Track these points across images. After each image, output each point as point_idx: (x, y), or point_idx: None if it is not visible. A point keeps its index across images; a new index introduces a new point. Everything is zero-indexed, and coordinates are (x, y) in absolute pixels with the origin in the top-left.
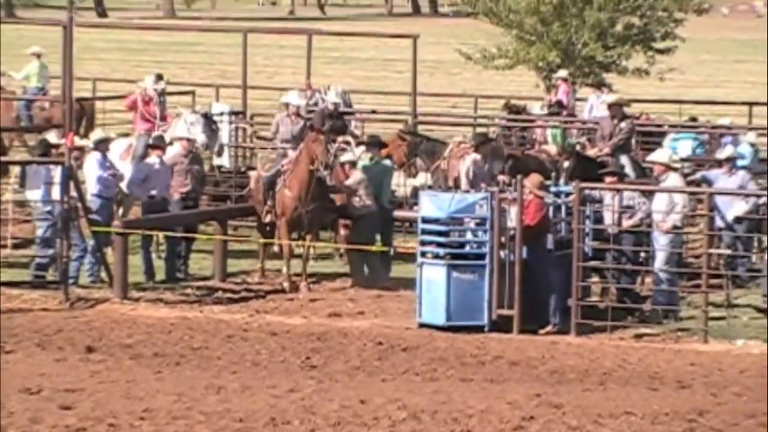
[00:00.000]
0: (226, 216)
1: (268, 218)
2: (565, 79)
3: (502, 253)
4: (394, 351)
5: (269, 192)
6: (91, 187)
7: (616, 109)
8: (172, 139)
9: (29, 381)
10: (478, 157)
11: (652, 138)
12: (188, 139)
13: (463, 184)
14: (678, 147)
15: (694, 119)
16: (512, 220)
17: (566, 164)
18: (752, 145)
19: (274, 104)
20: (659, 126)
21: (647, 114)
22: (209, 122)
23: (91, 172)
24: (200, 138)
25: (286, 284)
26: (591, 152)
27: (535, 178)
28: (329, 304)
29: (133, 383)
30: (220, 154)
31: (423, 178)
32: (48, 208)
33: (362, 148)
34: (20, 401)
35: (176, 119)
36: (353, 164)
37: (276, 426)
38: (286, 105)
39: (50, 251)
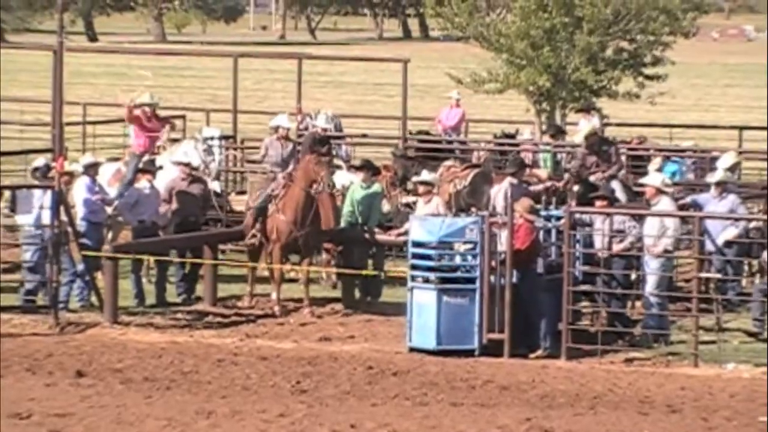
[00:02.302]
0: (216, 240)
1: (252, 240)
2: (457, 100)
3: (492, 277)
4: (385, 375)
5: (258, 218)
6: (80, 212)
7: (593, 139)
8: (173, 163)
9: (19, 406)
10: (514, 181)
11: (642, 162)
12: (186, 163)
13: (500, 207)
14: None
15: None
16: (502, 244)
17: (576, 188)
18: (731, 168)
19: (264, 128)
20: (648, 150)
21: (640, 137)
22: (206, 147)
23: (79, 196)
24: (195, 161)
25: (277, 309)
26: (593, 177)
27: (525, 202)
28: (319, 329)
29: (123, 408)
30: (218, 177)
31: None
32: (39, 232)
33: (350, 173)
34: (10, 426)
35: (176, 145)
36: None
37: None
38: (276, 128)
39: (38, 276)
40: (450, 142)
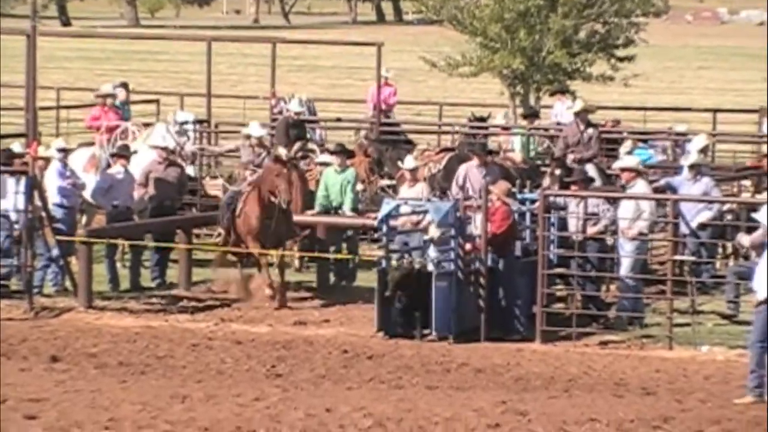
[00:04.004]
0: (190, 224)
1: (222, 233)
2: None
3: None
4: (360, 359)
5: (227, 210)
6: (53, 197)
7: (584, 116)
8: (150, 146)
9: None
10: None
11: (616, 145)
12: (164, 147)
13: (454, 189)
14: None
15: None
16: (477, 228)
17: (557, 171)
18: (702, 150)
19: (238, 113)
20: (621, 133)
21: (613, 121)
22: (180, 131)
23: (51, 181)
24: (172, 145)
25: (268, 291)
26: (568, 159)
27: (503, 186)
28: (294, 313)
29: (98, 392)
30: (193, 162)
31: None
32: (13, 217)
33: (325, 155)
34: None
35: (150, 129)
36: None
37: None
38: (248, 136)
39: (10, 260)
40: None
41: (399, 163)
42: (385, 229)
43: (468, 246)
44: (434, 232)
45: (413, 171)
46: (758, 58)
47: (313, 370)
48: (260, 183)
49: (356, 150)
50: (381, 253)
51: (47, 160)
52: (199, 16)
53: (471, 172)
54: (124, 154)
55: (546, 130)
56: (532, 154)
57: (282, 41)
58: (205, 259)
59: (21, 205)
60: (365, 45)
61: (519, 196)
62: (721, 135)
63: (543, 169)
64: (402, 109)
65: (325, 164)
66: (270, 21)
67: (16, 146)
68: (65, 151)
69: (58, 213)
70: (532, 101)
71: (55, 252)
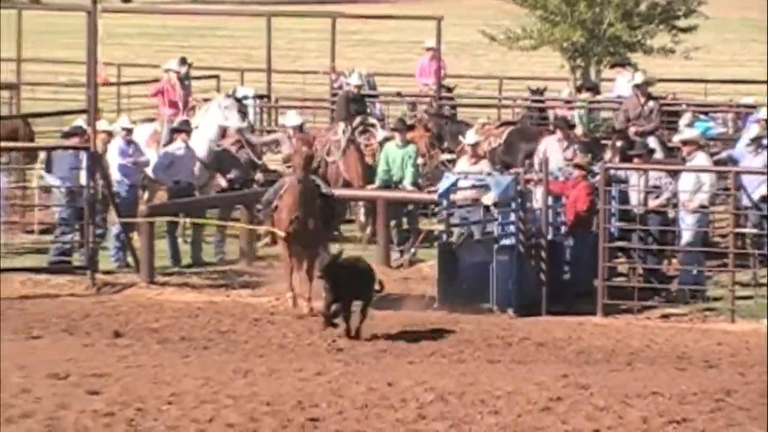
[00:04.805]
0: (252, 200)
1: (265, 239)
2: (430, 49)
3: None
4: (421, 333)
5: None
6: (115, 173)
7: (645, 88)
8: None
9: (56, 366)
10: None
11: (677, 118)
12: (238, 130)
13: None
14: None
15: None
16: (538, 201)
17: (618, 144)
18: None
19: (298, 88)
20: (681, 105)
21: (673, 93)
22: (240, 106)
23: (113, 158)
24: (235, 121)
25: (289, 298)
26: (630, 132)
27: (583, 160)
28: None
29: (160, 367)
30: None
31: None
32: (69, 192)
33: (385, 131)
34: (48, 387)
35: (208, 104)
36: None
37: (303, 409)
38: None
39: (69, 236)
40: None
41: (460, 137)
42: (445, 203)
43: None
44: (488, 199)
45: (474, 146)
46: None
47: (374, 345)
48: (293, 168)
49: (416, 124)
50: (441, 227)
51: (109, 135)
52: None
53: (551, 146)
54: (184, 129)
55: (608, 103)
56: (592, 126)
57: (341, 16)
58: None
59: (83, 181)
60: (425, 19)
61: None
62: None
63: (603, 142)
64: (462, 83)
65: (387, 139)
66: None
67: (80, 122)
68: (129, 130)
69: (120, 189)
70: (592, 74)
71: (116, 228)
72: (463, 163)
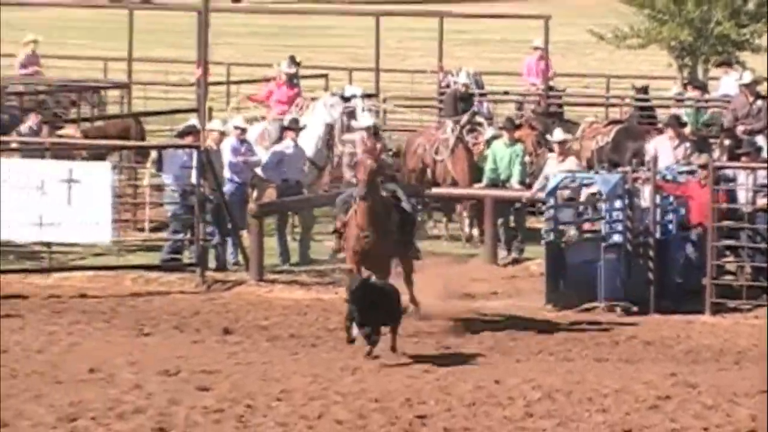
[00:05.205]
0: None
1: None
2: (537, 48)
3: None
4: (528, 332)
5: (342, 211)
6: (226, 172)
7: (753, 87)
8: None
9: (167, 363)
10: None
11: None
12: (366, 128)
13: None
14: None
15: None
16: (645, 200)
17: (726, 142)
18: None
19: (406, 86)
20: None
21: None
22: (346, 104)
23: (225, 156)
24: (340, 119)
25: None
26: (739, 131)
27: (705, 159)
28: (463, 286)
29: (269, 364)
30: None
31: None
32: (182, 191)
33: (493, 129)
34: (159, 383)
35: (315, 102)
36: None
37: (411, 406)
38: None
39: (181, 234)
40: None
41: (548, 136)
42: (552, 201)
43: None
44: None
45: (562, 144)
46: None
47: (481, 343)
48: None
49: (523, 123)
50: (548, 225)
51: (222, 134)
52: None
53: (662, 144)
54: (294, 127)
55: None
56: (701, 125)
57: (449, 15)
58: None
59: (194, 180)
60: (532, 18)
61: (686, 168)
62: None
63: (711, 140)
64: (569, 82)
65: (494, 137)
66: None
67: (193, 121)
68: (243, 129)
69: (230, 187)
70: (700, 73)
71: (226, 227)
72: (552, 162)
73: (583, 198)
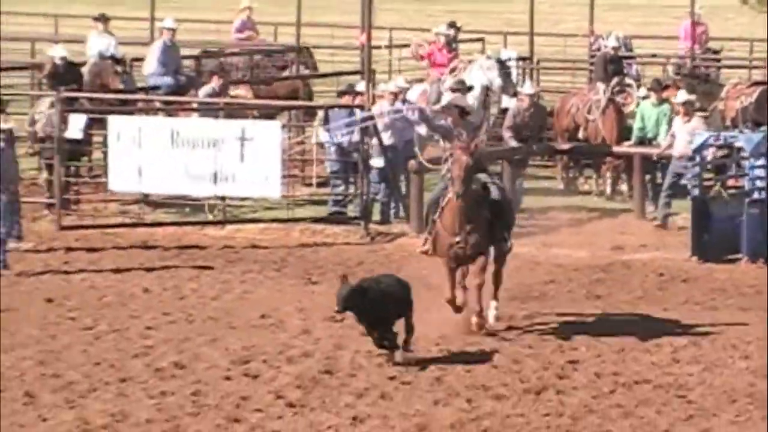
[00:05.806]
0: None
1: (425, 248)
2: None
3: None
4: (675, 282)
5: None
6: (385, 130)
7: None
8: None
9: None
10: None
11: None
12: (530, 94)
13: None
14: None
15: None
16: None
17: None
18: None
19: (558, 50)
20: None
21: None
22: (503, 66)
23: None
24: (497, 81)
25: (474, 320)
26: None
27: None
28: (611, 239)
29: (427, 312)
30: (515, 95)
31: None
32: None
33: (642, 90)
34: (325, 328)
35: (471, 64)
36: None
37: (563, 352)
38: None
39: (341, 188)
40: None
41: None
42: (698, 159)
43: None
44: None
45: (686, 104)
46: None
47: (630, 293)
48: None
49: (670, 84)
50: (693, 182)
51: (395, 95)
52: None
53: None
54: (458, 88)
55: None
56: None
57: None
58: (538, 188)
59: (355, 138)
60: None
61: None
62: None
63: None
64: (713, 45)
65: (644, 98)
66: None
67: (357, 83)
68: (404, 90)
69: (393, 145)
70: None
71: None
72: (678, 122)
73: (709, 158)
